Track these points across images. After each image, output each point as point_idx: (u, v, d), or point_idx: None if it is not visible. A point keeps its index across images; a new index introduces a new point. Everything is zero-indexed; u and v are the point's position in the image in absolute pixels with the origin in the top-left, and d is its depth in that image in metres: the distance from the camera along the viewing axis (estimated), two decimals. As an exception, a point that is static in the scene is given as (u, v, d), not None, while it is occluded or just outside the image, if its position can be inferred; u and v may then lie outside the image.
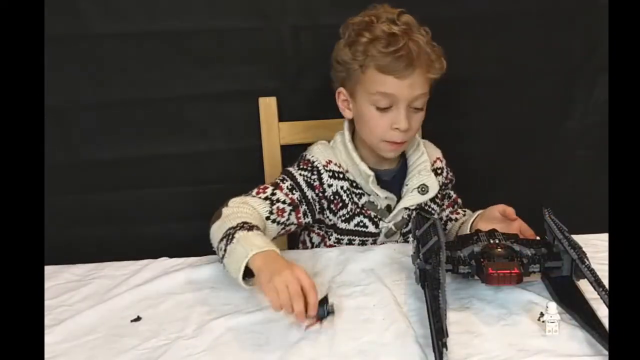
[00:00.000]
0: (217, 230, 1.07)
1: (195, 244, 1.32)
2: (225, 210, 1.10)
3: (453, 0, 1.41)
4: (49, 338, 0.92)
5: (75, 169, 1.43)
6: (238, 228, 1.02)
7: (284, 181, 1.20)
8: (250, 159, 1.45)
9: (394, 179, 1.25)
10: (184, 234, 1.49)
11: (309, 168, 1.22)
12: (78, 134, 1.41)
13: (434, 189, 1.24)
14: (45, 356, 0.87)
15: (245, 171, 1.47)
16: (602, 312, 0.87)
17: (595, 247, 1.03)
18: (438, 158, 1.30)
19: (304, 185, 1.20)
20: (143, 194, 1.47)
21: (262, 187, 1.19)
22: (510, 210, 1.12)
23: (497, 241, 0.98)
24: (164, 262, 1.14)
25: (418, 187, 1.23)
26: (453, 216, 1.32)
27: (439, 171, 1.29)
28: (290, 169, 1.24)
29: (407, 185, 1.25)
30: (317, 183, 1.21)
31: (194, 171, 1.47)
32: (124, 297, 1.02)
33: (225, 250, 1.00)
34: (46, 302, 1.02)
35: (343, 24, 1.20)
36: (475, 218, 1.21)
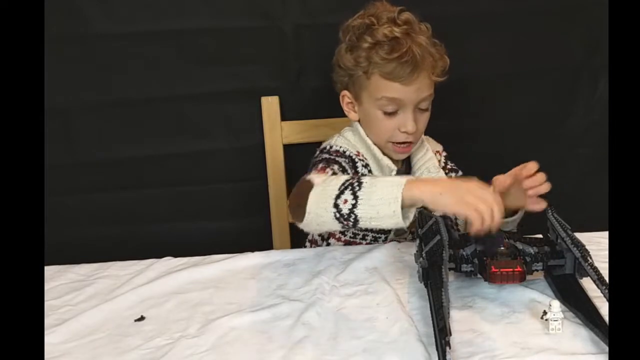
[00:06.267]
0: (321, 192, 0.95)
1: (199, 244, 1.32)
2: (315, 178, 0.99)
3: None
4: (53, 338, 0.92)
5: (77, 169, 1.43)
6: (355, 178, 0.94)
7: (329, 164, 1.15)
8: (253, 158, 1.46)
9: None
10: (187, 234, 1.50)
11: (344, 156, 1.19)
12: (80, 134, 1.41)
13: None
14: (49, 356, 0.87)
15: (247, 171, 1.47)
16: (606, 310, 0.86)
17: (598, 245, 1.03)
18: (438, 152, 1.30)
19: (349, 170, 1.17)
20: (146, 193, 1.47)
21: (319, 167, 1.13)
22: (500, 180, 1.05)
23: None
24: (168, 262, 1.14)
25: None
26: None
27: (441, 164, 1.29)
28: (326, 155, 1.19)
29: None
30: (353, 171, 1.19)
31: (196, 171, 1.47)
32: (127, 296, 1.02)
33: (355, 197, 0.91)
34: (50, 302, 1.02)
35: (342, 27, 1.19)
36: None
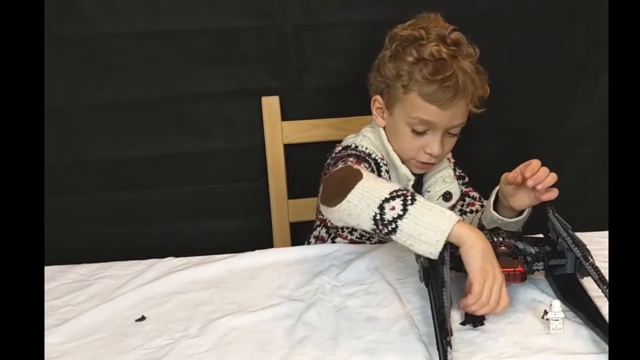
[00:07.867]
0: (370, 188, 0.91)
1: (199, 244, 1.32)
2: (364, 171, 0.95)
3: (455, -1, 1.41)
4: (53, 338, 0.92)
5: (77, 169, 1.43)
6: (410, 192, 0.91)
7: (360, 160, 1.12)
8: (253, 158, 1.45)
9: (417, 184, 1.23)
10: (187, 234, 1.49)
11: (370, 158, 1.16)
12: (81, 135, 1.41)
13: (456, 195, 1.24)
14: (50, 356, 0.87)
15: (247, 171, 1.47)
16: (606, 309, 0.87)
17: (599, 245, 1.03)
18: (447, 158, 1.29)
19: (375, 172, 1.15)
20: (146, 194, 1.47)
21: (352, 161, 1.08)
22: (512, 176, 1.06)
23: (500, 239, 0.98)
24: (169, 262, 1.14)
25: (443, 195, 1.23)
26: (467, 209, 1.30)
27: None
28: (353, 152, 1.16)
29: (429, 191, 1.23)
30: (377, 174, 1.14)
31: (196, 171, 1.47)
32: (128, 296, 1.03)
33: (405, 209, 0.88)
34: (51, 302, 1.02)
35: (390, 32, 1.16)
36: (495, 201, 1.16)
